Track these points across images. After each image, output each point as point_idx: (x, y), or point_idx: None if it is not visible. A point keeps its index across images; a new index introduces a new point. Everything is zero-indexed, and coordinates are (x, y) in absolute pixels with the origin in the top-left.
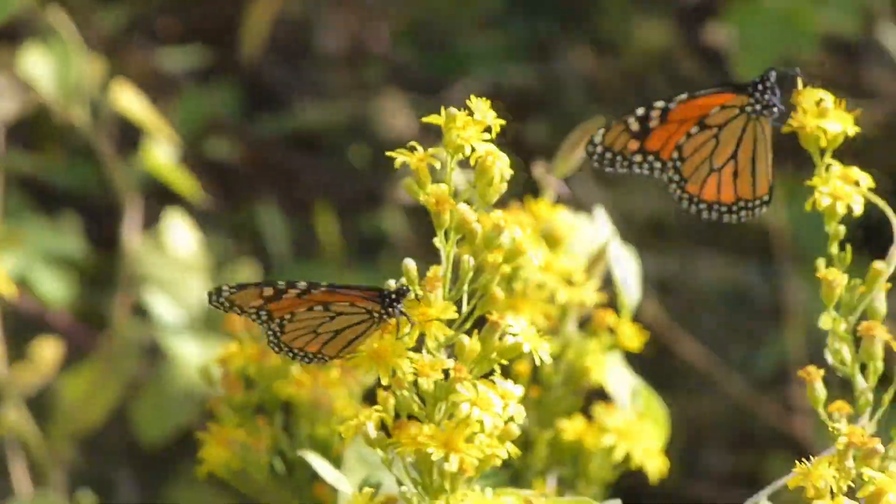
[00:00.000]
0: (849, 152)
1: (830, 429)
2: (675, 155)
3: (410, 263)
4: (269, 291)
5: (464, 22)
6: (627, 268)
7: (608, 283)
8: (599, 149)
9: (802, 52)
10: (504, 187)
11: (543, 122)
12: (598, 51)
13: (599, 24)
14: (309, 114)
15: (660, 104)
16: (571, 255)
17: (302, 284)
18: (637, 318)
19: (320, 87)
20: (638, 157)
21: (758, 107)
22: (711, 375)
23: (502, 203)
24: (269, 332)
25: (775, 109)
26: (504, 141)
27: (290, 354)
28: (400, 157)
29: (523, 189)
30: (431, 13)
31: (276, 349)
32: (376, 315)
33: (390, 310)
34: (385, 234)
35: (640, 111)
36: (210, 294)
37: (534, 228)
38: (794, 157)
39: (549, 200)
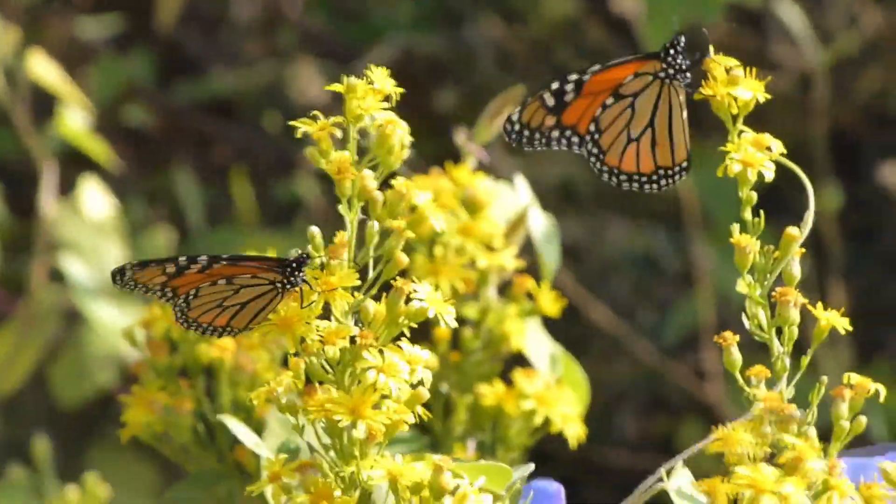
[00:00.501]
0: (751, 122)
1: (746, 393)
2: (593, 128)
3: (315, 231)
4: (171, 268)
5: None
6: (547, 233)
7: (527, 250)
8: (517, 127)
9: (708, 22)
10: (404, 154)
11: (454, 89)
12: (507, 19)
13: None
14: (224, 80)
15: (573, 77)
16: (491, 222)
17: (203, 259)
18: (552, 284)
19: (235, 54)
20: (555, 133)
21: (671, 71)
22: (622, 341)
23: (423, 170)
24: (177, 309)
25: (688, 73)
26: (414, 108)
27: (199, 330)
28: (302, 126)
29: (442, 156)
30: None
31: (185, 325)
32: (279, 285)
33: (292, 279)
34: (299, 200)
35: (555, 85)
36: (114, 275)
37: (454, 195)
38: (701, 124)
39: (470, 167)
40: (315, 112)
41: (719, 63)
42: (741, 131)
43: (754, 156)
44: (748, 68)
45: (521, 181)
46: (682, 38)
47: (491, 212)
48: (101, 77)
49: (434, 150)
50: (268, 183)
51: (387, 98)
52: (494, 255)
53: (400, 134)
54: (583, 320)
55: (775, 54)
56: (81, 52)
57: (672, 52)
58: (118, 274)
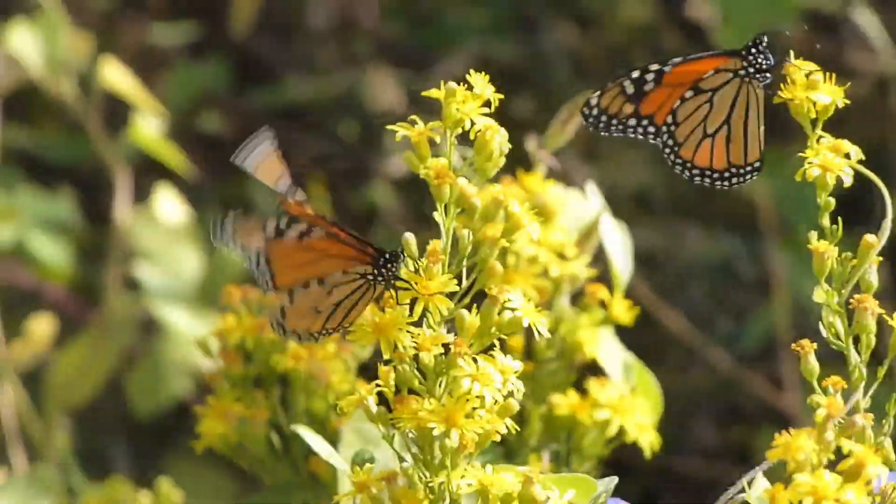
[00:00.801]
0: (827, 128)
1: (809, 401)
2: (670, 119)
3: (410, 237)
4: (271, 228)
5: None
6: (619, 242)
7: (599, 258)
8: (595, 111)
9: (783, 26)
10: (502, 161)
11: (529, 96)
12: (582, 25)
13: None
14: (299, 88)
15: (655, 67)
16: (563, 230)
17: (303, 226)
18: (625, 292)
19: (310, 62)
20: (633, 121)
21: (751, 70)
22: (698, 349)
23: (494, 177)
24: (273, 321)
25: (768, 74)
26: (492, 115)
27: (297, 338)
28: (401, 130)
29: (514, 163)
30: None
31: (282, 335)
32: (370, 278)
33: (384, 272)
34: (375, 208)
35: (636, 73)
36: (215, 226)
37: (527, 202)
38: (779, 130)
39: (541, 175)
40: (413, 117)
41: (799, 67)
42: (820, 136)
43: (833, 161)
44: (826, 74)
45: (592, 189)
46: (765, 38)
47: (562, 220)
48: (176, 84)
49: (509, 158)
50: (343, 191)
51: (485, 104)
52: (567, 264)
53: (499, 140)
54: (659, 329)
55: (852, 60)
56: (156, 58)
57: (754, 51)
58: (219, 225)
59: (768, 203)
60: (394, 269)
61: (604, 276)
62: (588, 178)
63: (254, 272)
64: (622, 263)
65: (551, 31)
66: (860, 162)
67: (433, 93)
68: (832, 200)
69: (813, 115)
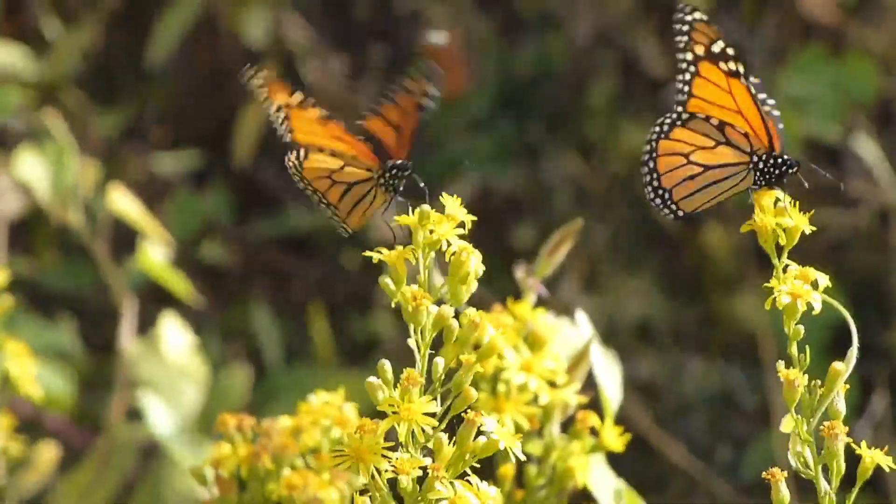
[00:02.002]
0: (827, 256)
1: None
2: None
3: (386, 364)
4: (297, 98)
5: (453, 125)
6: (609, 369)
7: (592, 385)
8: None
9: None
10: (475, 285)
11: (531, 225)
12: (583, 154)
13: (586, 127)
14: (301, 217)
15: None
16: (554, 357)
17: (323, 112)
18: (624, 421)
19: None
20: None
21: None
22: (699, 479)
23: (485, 304)
24: (291, 165)
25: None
26: (491, 244)
27: (313, 194)
28: (377, 255)
29: (509, 291)
30: (421, 118)
31: (299, 180)
32: (376, 176)
33: (388, 175)
34: (377, 337)
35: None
36: (245, 72)
37: (516, 330)
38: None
39: (531, 302)
40: (392, 242)
41: (767, 195)
42: (786, 265)
43: (801, 288)
44: (825, 202)
45: (583, 317)
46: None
47: (554, 348)
48: (179, 212)
49: (511, 287)
50: (345, 320)
51: (460, 225)
52: (557, 392)
53: (474, 262)
54: (659, 459)
55: (853, 189)
56: (158, 187)
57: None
58: (250, 72)
59: (767, 333)
60: (397, 176)
61: (596, 403)
62: (585, 308)
63: (274, 122)
64: (612, 391)
65: (553, 160)
66: (859, 290)
67: (406, 219)
68: (801, 328)
69: (783, 243)
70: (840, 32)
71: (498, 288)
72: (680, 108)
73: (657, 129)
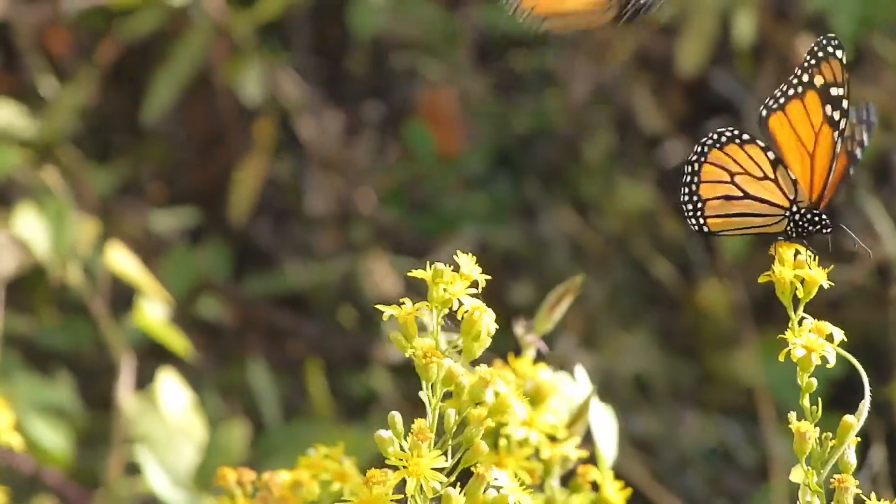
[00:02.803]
0: (827, 312)
1: None
2: None
3: (396, 416)
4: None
5: (449, 183)
6: (605, 424)
7: (590, 440)
8: None
9: None
10: (488, 342)
11: (528, 281)
12: (580, 211)
13: (582, 185)
14: (297, 274)
15: None
16: (554, 412)
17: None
18: (622, 475)
19: (308, 247)
20: None
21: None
22: None
23: (485, 360)
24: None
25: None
26: (488, 300)
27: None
28: (388, 310)
29: (506, 347)
30: (417, 174)
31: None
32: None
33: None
34: (374, 394)
35: None
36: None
37: (516, 385)
38: (774, 316)
39: (530, 358)
40: (402, 299)
41: (786, 248)
42: (802, 318)
43: (816, 342)
44: (815, 256)
45: (582, 373)
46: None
47: (553, 402)
48: (176, 269)
49: (508, 344)
50: (342, 376)
51: (473, 284)
52: (558, 446)
53: (486, 321)
54: None
55: (852, 245)
56: (156, 244)
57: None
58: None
59: (765, 388)
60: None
61: (595, 457)
62: (582, 364)
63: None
64: (607, 445)
65: (550, 217)
66: (857, 346)
67: (421, 273)
68: (814, 381)
69: (800, 296)
70: None
71: (494, 344)
72: (763, 115)
73: (714, 136)
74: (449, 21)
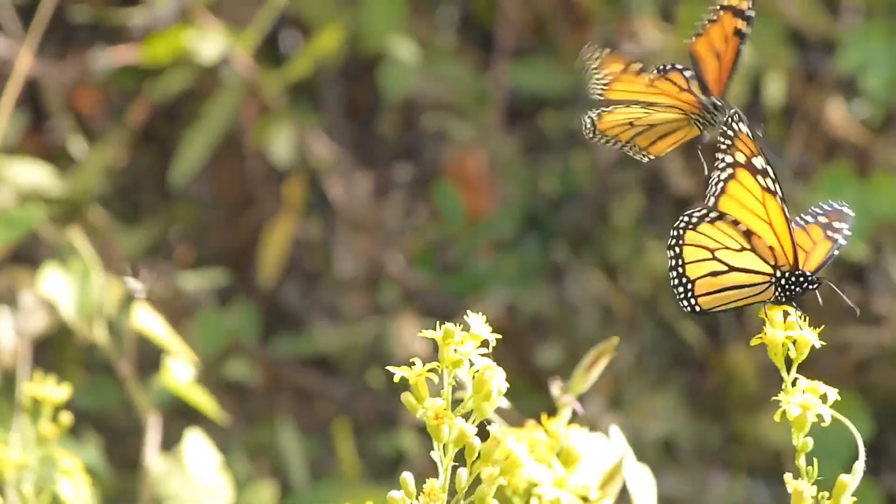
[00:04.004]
0: (853, 374)
1: None
2: None
3: (408, 477)
4: (634, 67)
5: (478, 245)
6: (643, 485)
7: (624, 501)
8: None
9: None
10: (503, 401)
11: (557, 345)
12: (609, 273)
13: (611, 247)
14: (326, 336)
15: None
16: (585, 474)
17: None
18: None
19: (337, 309)
20: None
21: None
22: None
23: (517, 422)
24: (585, 122)
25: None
26: (517, 364)
27: (605, 141)
28: (399, 371)
29: (537, 409)
30: (446, 236)
31: (591, 135)
32: (692, 116)
33: (708, 115)
34: (402, 454)
35: None
36: (590, 46)
37: (549, 446)
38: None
39: (565, 419)
40: (413, 359)
41: (776, 310)
42: (795, 378)
43: (811, 402)
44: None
45: (616, 433)
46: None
47: (585, 463)
48: (204, 330)
49: (537, 407)
50: (370, 437)
51: (484, 344)
52: None
53: (497, 380)
54: None
55: (879, 307)
56: (184, 305)
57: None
58: (593, 48)
59: (791, 450)
60: (713, 116)
61: None
62: (614, 424)
63: (590, 83)
64: None
65: (578, 279)
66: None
67: (429, 334)
68: (810, 441)
69: (793, 356)
70: (866, 151)
71: (524, 406)
72: (711, 203)
73: (686, 219)
74: (478, 81)
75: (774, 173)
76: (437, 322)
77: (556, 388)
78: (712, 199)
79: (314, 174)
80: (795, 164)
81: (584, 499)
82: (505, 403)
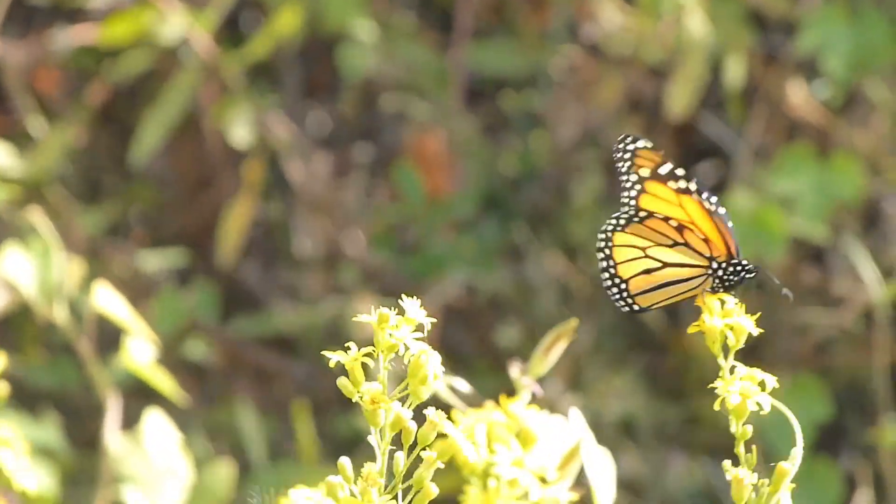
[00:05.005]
0: (812, 354)
1: None
2: None
3: (345, 461)
4: (667, 168)
5: (438, 225)
6: (600, 466)
7: (583, 482)
8: None
9: (771, 255)
10: (432, 387)
11: (516, 325)
12: (569, 255)
13: (570, 227)
14: (285, 315)
15: None
16: (544, 454)
17: (692, 186)
18: None
19: (296, 289)
20: None
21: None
22: None
23: (476, 402)
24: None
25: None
26: (476, 344)
27: (604, 259)
28: (334, 356)
29: (495, 389)
30: (406, 217)
31: (602, 248)
32: (709, 272)
33: (721, 272)
34: (361, 433)
35: None
36: (622, 142)
37: (508, 428)
38: (760, 359)
39: (523, 400)
40: (348, 343)
41: (712, 298)
42: (733, 366)
43: (750, 389)
44: (813, 302)
45: (575, 414)
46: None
47: (544, 444)
48: (163, 310)
49: (496, 387)
50: (329, 417)
51: (419, 328)
52: (548, 487)
53: (433, 364)
54: None
55: (839, 289)
56: (143, 285)
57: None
58: (628, 140)
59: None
60: (731, 273)
61: (586, 500)
62: (573, 405)
63: (623, 191)
64: (603, 488)
65: (537, 260)
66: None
67: (364, 319)
68: (749, 428)
69: (731, 344)
70: (826, 132)
71: (483, 386)
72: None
73: (613, 221)
74: (438, 62)
75: (685, 173)
76: (397, 303)
77: (515, 371)
78: (623, 222)
79: (273, 154)
80: (756, 145)
81: (543, 479)
82: (465, 386)
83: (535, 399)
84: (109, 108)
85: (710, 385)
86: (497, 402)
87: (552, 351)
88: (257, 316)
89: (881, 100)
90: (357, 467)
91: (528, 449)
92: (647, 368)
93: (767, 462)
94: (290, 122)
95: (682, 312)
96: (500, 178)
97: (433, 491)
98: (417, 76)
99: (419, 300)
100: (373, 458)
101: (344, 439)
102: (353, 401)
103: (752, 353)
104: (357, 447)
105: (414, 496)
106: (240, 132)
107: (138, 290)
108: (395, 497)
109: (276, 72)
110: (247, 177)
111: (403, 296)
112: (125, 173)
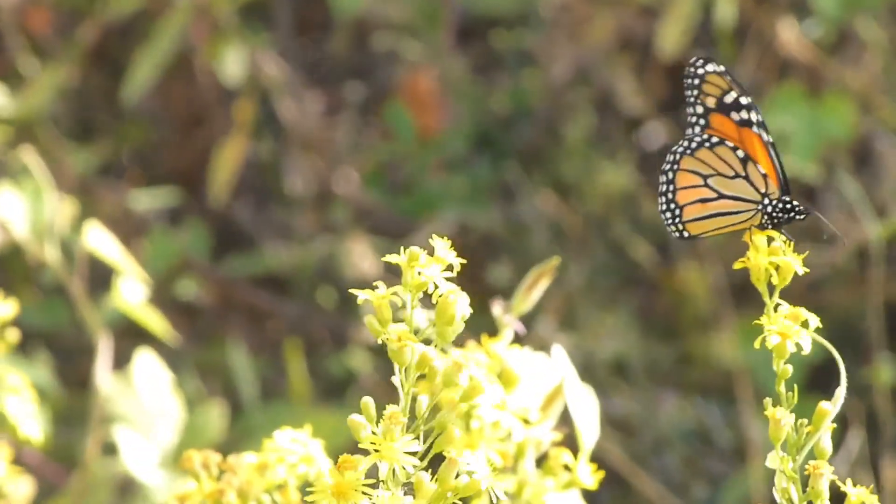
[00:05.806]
0: (806, 295)
1: None
2: None
3: (369, 401)
4: (731, 96)
5: (429, 164)
6: (584, 405)
7: (568, 421)
8: None
9: None
10: (462, 326)
11: (508, 264)
12: (560, 193)
13: (562, 166)
14: (277, 254)
15: None
16: (529, 394)
17: (755, 117)
18: (599, 457)
19: (288, 228)
20: None
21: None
22: None
23: (460, 341)
24: (673, 153)
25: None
26: (466, 281)
27: (665, 184)
28: (362, 294)
29: (484, 328)
30: (397, 156)
31: (662, 204)
32: (765, 203)
33: (777, 209)
34: (353, 374)
35: None
36: (694, 63)
37: (489, 367)
38: (753, 299)
39: (506, 339)
40: (376, 282)
41: (760, 235)
42: (777, 304)
43: (791, 328)
44: (790, 242)
45: (558, 351)
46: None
47: (528, 384)
48: (155, 249)
49: (486, 327)
50: (321, 357)
51: (448, 268)
52: (531, 428)
53: (461, 305)
54: (634, 495)
55: (832, 227)
56: (135, 224)
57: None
58: (696, 64)
59: (743, 370)
60: (786, 213)
61: (571, 439)
62: (562, 345)
63: (690, 118)
64: (587, 427)
65: (529, 199)
66: (822, 330)
67: (395, 258)
68: (789, 368)
69: (775, 282)
70: (818, 71)
71: (473, 325)
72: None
73: (685, 143)
74: (430, 1)
75: (751, 101)
76: (388, 241)
77: (497, 309)
78: (689, 151)
79: (265, 93)
80: (748, 84)
81: (526, 420)
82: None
83: (526, 338)
84: (101, 47)
85: (755, 322)
86: (479, 341)
87: (535, 289)
88: (249, 255)
89: (872, 38)
90: (350, 407)
91: (511, 390)
92: (639, 307)
93: (759, 401)
94: (281, 61)
95: (673, 251)
96: (491, 117)
97: (456, 434)
98: (409, 15)
99: (410, 239)
100: (361, 399)
101: (336, 379)
102: (349, 339)
103: (745, 291)
104: (349, 387)
105: (436, 438)
106: (231, 71)
107: (130, 230)
108: (418, 438)
109: (267, 10)
110: (238, 116)
111: (395, 236)
112: (117, 112)
